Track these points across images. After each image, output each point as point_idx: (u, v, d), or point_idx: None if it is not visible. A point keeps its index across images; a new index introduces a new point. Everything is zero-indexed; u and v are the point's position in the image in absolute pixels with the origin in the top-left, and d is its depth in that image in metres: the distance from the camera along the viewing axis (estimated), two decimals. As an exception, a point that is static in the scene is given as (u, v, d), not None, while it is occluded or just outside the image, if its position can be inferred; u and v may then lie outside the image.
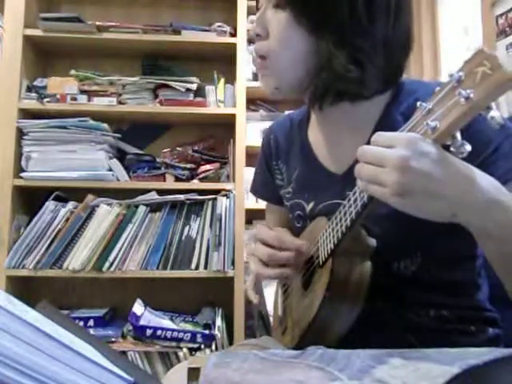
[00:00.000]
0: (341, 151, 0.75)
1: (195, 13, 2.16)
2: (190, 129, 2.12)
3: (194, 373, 0.46)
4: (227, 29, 2.01)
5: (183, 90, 1.93)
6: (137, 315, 1.79)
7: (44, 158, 1.84)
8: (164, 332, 1.75)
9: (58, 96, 1.88)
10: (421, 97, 0.56)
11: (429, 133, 0.49)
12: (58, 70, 2.04)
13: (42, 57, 2.07)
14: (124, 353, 1.73)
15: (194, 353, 1.76)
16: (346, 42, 0.64)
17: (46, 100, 1.88)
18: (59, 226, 1.82)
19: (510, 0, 1.56)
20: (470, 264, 0.74)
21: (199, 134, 2.12)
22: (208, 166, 1.97)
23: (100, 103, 1.90)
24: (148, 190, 1.92)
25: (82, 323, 1.81)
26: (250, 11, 1.89)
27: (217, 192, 1.92)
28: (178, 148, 2.03)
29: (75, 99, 1.88)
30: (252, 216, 2.03)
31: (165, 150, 2.03)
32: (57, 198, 1.88)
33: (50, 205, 1.84)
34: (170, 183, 1.93)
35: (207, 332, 1.79)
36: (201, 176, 1.95)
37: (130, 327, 1.78)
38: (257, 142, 1.86)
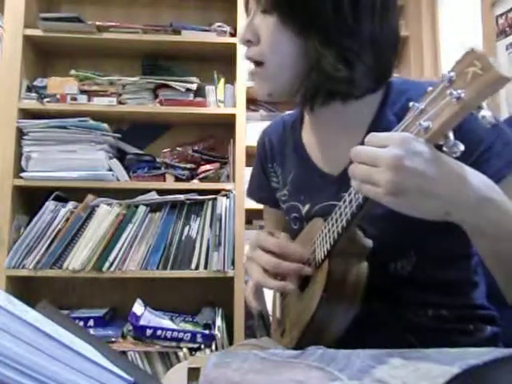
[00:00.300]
0: (335, 152, 0.75)
1: (195, 13, 2.16)
2: (190, 129, 2.12)
3: (193, 373, 0.46)
4: (227, 29, 2.01)
5: (183, 89, 1.93)
6: (137, 315, 1.79)
7: (44, 158, 1.84)
8: (164, 332, 1.75)
9: (58, 96, 1.88)
10: (412, 96, 0.56)
11: (422, 133, 0.49)
12: (58, 70, 2.04)
13: (42, 57, 2.07)
14: (124, 353, 1.73)
15: (194, 353, 1.76)
16: (332, 41, 0.65)
17: (46, 100, 1.88)
18: (59, 226, 1.82)
19: (510, 0, 1.56)
20: (465, 263, 0.74)
21: (199, 134, 2.12)
22: (208, 166, 1.97)
23: (100, 103, 1.90)
24: (148, 190, 1.92)
25: (82, 323, 1.81)
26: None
27: (217, 192, 1.92)
28: (177, 148, 2.03)
29: (75, 99, 1.88)
30: (252, 216, 2.03)
31: (165, 150, 2.03)
32: (57, 198, 1.88)
33: (49, 205, 1.85)
34: (169, 183, 1.93)
35: (207, 332, 1.79)
36: (201, 176, 1.95)
37: (130, 327, 1.78)
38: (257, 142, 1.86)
